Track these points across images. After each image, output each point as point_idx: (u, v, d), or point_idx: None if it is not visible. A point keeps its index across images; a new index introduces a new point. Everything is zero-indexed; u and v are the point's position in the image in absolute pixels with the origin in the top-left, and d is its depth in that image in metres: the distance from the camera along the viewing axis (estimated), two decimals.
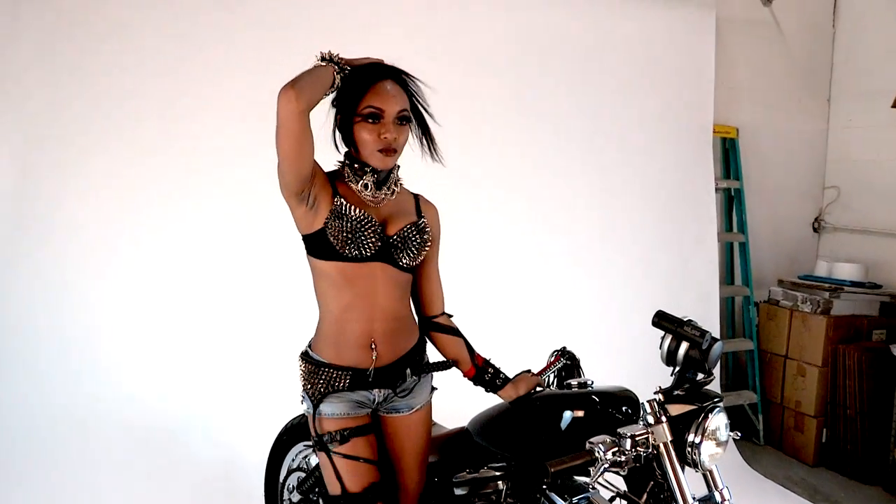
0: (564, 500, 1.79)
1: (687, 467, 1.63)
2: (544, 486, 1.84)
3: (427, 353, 1.98)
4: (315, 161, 1.68)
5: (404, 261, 1.77)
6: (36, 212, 3.08)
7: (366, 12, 3.40)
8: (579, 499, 1.80)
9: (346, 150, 1.77)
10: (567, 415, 1.75)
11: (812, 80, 4.76)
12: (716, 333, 4.22)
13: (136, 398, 3.13)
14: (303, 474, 2.42)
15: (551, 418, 1.78)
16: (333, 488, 1.79)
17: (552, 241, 3.93)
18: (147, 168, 3.16)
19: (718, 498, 1.63)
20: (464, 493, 2.00)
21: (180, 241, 3.22)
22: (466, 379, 2.03)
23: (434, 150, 1.84)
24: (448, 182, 3.63)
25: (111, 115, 3.09)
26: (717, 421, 1.60)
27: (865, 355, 3.89)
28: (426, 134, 1.82)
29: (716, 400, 1.63)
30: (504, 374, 2.02)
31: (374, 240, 1.70)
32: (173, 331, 3.21)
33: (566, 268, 3.95)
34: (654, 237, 4.13)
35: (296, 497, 2.47)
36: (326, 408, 1.78)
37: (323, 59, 1.65)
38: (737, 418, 4.39)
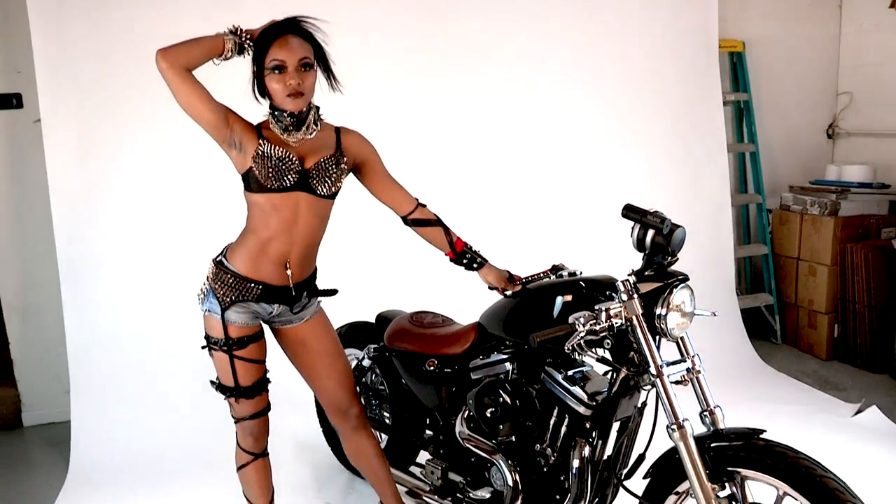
0: (561, 373, 2.09)
1: (664, 340, 1.92)
2: (546, 365, 2.14)
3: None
4: (231, 112, 2.02)
5: (321, 190, 2.08)
6: (96, 164, 3.47)
7: None
8: (575, 371, 2.10)
9: (269, 102, 2.06)
10: (558, 300, 2.02)
11: None
12: (730, 241, 4.44)
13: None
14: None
15: (546, 304, 2.05)
16: (227, 381, 2.16)
17: (562, 159, 4.14)
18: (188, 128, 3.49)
19: (689, 364, 1.91)
20: (479, 376, 2.32)
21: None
22: (449, 261, 2.36)
23: (334, 85, 2.12)
24: (467, 103, 3.94)
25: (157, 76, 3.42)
26: (682, 296, 1.87)
27: (872, 252, 4.07)
28: (328, 71, 2.10)
29: (680, 277, 1.89)
30: (482, 258, 2.34)
31: (292, 174, 2.02)
32: None
33: (577, 185, 4.16)
34: (665, 152, 4.31)
35: None
36: (233, 316, 2.10)
37: (230, 32, 1.98)
38: (755, 320, 4.63)
